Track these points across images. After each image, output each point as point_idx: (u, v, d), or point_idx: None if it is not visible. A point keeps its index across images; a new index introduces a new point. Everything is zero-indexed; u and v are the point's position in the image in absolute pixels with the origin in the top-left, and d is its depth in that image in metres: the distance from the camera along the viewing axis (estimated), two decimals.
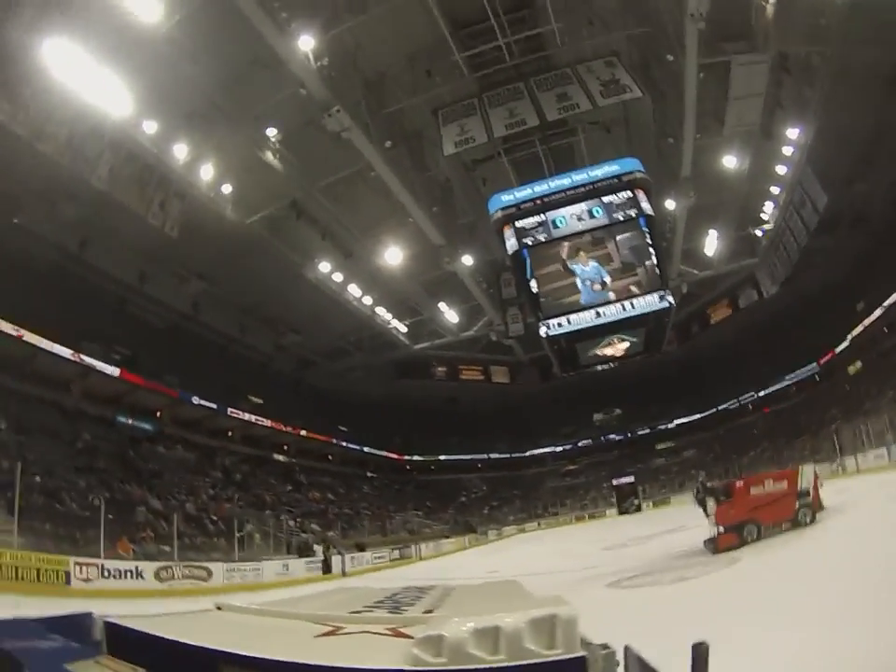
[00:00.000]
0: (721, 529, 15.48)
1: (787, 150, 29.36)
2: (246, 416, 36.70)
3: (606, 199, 16.87)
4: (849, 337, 40.00)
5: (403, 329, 42.29)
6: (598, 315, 15.86)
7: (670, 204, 29.61)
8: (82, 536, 18.26)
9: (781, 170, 31.02)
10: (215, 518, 25.18)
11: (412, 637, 1.69)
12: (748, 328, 49.67)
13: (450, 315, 40.76)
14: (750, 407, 54.79)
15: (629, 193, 16.78)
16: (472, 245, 33.27)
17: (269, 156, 24.91)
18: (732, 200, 34.32)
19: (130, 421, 29.43)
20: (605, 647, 1.68)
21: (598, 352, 17.54)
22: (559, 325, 16.09)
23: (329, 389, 49.12)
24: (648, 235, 16.43)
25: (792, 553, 12.89)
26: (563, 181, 17.70)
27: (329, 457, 46.61)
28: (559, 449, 62.61)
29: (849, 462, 29.27)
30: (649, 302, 15.76)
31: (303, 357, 45.95)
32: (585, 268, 16.41)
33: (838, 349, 42.04)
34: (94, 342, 28.12)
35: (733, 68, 23.52)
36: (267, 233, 28.74)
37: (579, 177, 17.62)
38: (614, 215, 16.66)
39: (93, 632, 1.83)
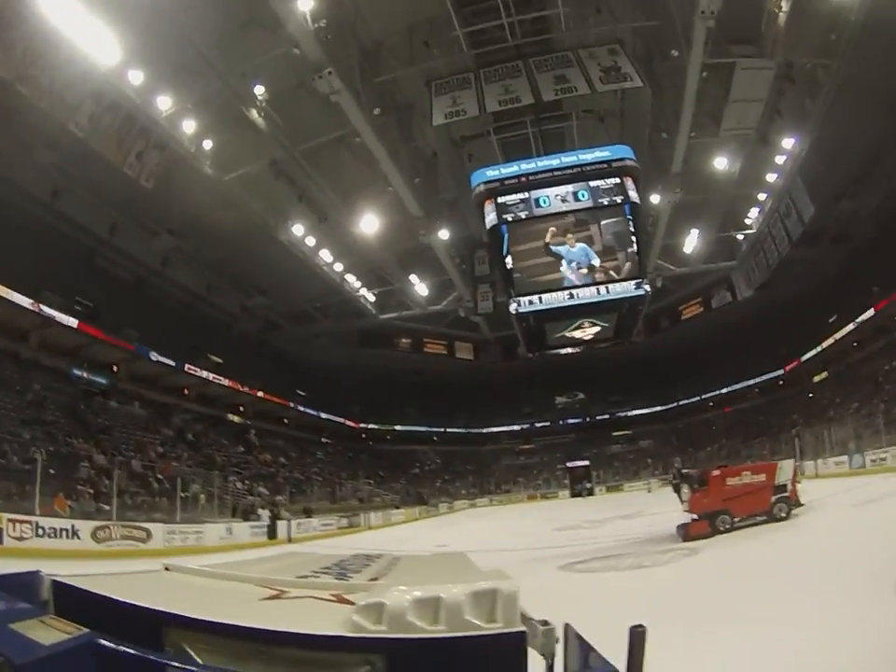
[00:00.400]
0: (695, 517, 15.40)
1: (779, 159, 29.42)
2: (204, 374, 36.12)
3: (593, 183, 16.28)
4: (820, 347, 41.81)
5: (371, 297, 41.62)
6: (572, 296, 15.42)
7: (655, 198, 29.24)
8: (19, 491, 17.58)
9: (771, 177, 31.13)
10: (160, 477, 24.31)
11: (354, 604, 1.69)
12: (717, 328, 50.80)
13: (420, 287, 40.08)
14: (711, 404, 56.12)
15: (617, 179, 16.24)
16: (450, 221, 32.65)
17: (254, 114, 23.89)
18: (717, 201, 34.27)
19: (85, 374, 28.65)
20: (545, 623, 1.74)
21: (567, 334, 17.06)
22: (530, 302, 15.59)
23: (292, 353, 48.81)
24: (631, 223, 16.00)
25: (762, 547, 12.81)
26: (551, 161, 17.05)
27: (285, 421, 46.24)
28: (516, 428, 63.18)
29: (808, 465, 29.75)
30: (625, 289, 15.34)
31: (269, 319, 45.46)
32: (572, 249, 15.89)
33: (804, 357, 43.90)
34: (57, 292, 27.40)
35: (737, 71, 23.23)
36: (243, 192, 27.88)
37: (568, 159, 17.01)
38: (599, 199, 16.12)
39: (41, 591, 1.85)
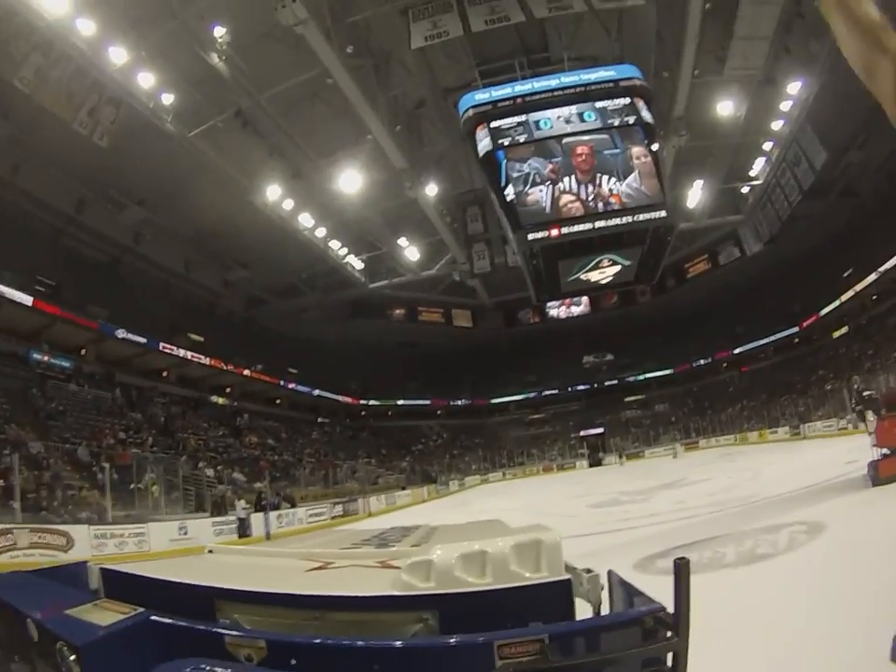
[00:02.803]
0: (885, 451, 11.97)
1: (785, 105, 28.77)
2: (181, 353, 34.86)
3: (599, 104, 14.97)
4: (838, 301, 40.94)
5: (359, 265, 40.78)
6: (591, 224, 13.85)
7: (655, 146, 28.09)
8: None
9: (777, 125, 30.46)
10: (105, 466, 20.69)
11: (400, 568, 1.78)
12: (724, 287, 50.44)
13: (410, 251, 39.23)
14: (725, 365, 55.17)
15: (627, 100, 14.97)
16: (438, 176, 31.80)
17: (214, 58, 22.98)
18: (721, 150, 33.54)
19: (46, 358, 27.27)
20: (588, 571, 1.82)
21: (583, 276, 15.69)
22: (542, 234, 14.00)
23: (281, 330, 47.82)
24: (648, 145, 14.62)
25: None
26: (549, 82, 15.70)
27: (278, 402, 45.28)
28: (522, 397, 62.07)
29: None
30: (650, 215, 13.89)
31: (254, 294, 44.67)
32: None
33: (822, 313, 43.09)
34: (22, 274, 26.23)
35: (741, 4, 22.43)
36: (210, 150, 26.76)
37: (569, 79, 15.71)
38: (609, 121, 14.77)
39: (90, 579, 1.92)
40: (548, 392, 61.23)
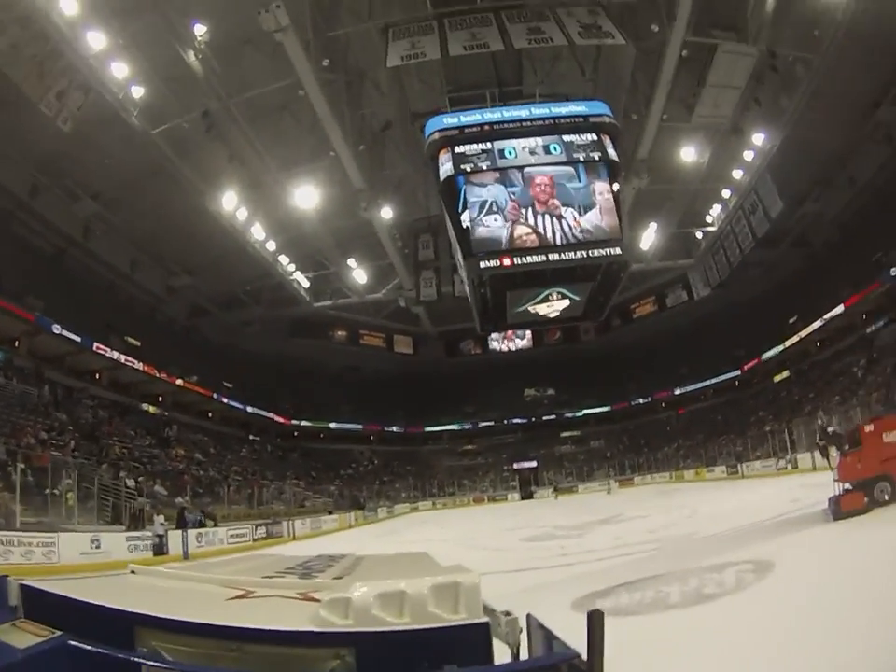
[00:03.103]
0: (847, 486, 12.41)
1: (748, 155, 29.63)
2: (115, 356, 33.50)
3: (567, 137, 14.81)
4: (781, 346, 42.68)
5: (306, 283, 40.14)
6: (544, 256, 13.45)
7: (616, 186, 28.63)
8: None
9: (737, 174, 31.36)
10: (23, 466, 19.15)
11: (320, 601, 1.76)
12: (669, 329, 51.56)
13: (358, 273, 39.06)
14: (663, 405, 56.20)
15: (594, 136, 14.84)
16: (394, 200, 31.62)
17: (190, 56, 22.50)
18: (680, 195, 34.45)
19: None
20: (507, 613, 1.84)
21: (531, 308, 15.47)
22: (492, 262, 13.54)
23: (220, 342, 46.75)
24: (611, 182, 14.55)
25: None
26: (519, 112, 15.42)
27: (209, 415, 43.89)
28: (458, 427, 61.84)
29: (805, 458, 28.62)
30: (605, 250, 13.66)
31: (197, 304, 43.47)
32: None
33: (765, 356, 44.77)
34: None
35: (718, 54, 23.15)
36: (171, 149, 26.16)
37: (539, 111, 15.41)
38: (574, 155, 14.61)
39: (9, 596, 1.83)
40: (484, 423, 61.25)
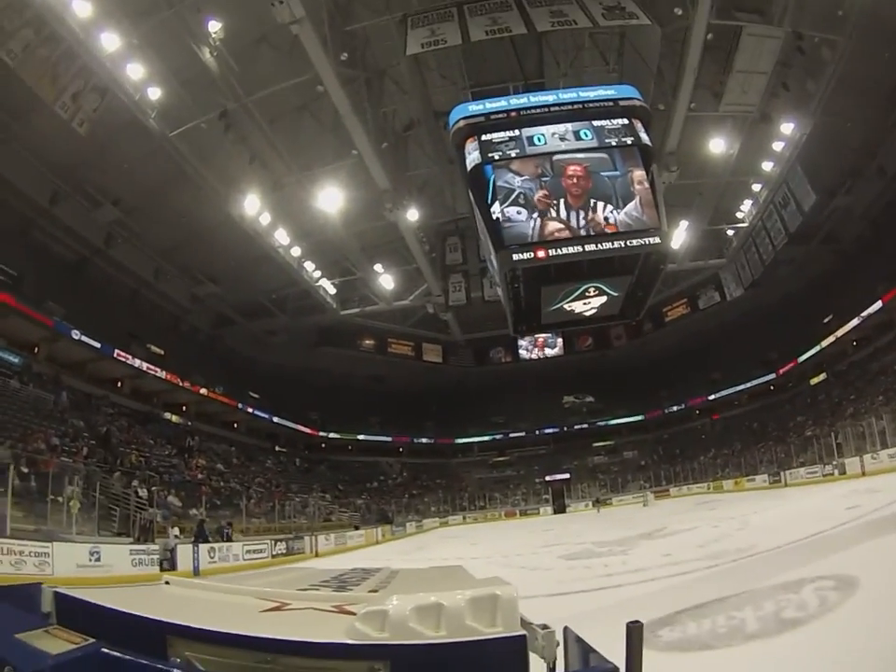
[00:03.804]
0: None
1: (777, 145, 28.99)
2: (137, 363, 33.75)
3: (597, 122, 14.32)
4: (818, 347, 41.72)
5: (332, 290, 39.84)
6: (580, 247, 12.78)
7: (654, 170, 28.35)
8: None
9: (768, 166, 30.67)
10: (26, 471, 18.87)
11: (355, 614, 1.77)
12: (700, 333, 50.58)
13: (385, 279, 38.59)
14: (697, 412, 55.27)
15: (625, 120, 14.37)
16: (420, 202, 31.30)
17: (206, 53, 22.59)
18: (710, 190, 33.75)
19: None
20: (544, 627, 1.83)
21: (566, 306, 14.91)
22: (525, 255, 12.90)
23: (246, 352, 47.04)
24: (645, 168, 14.03)
25: None
26: (546, 98, 14.88)
27: (234, 425, 43.97)
28: (488, 438, 61.26)
29: (853, 463, 28.69)
30: (644, 241, 13.15)
31: (222, 313, 43.61)
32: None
33: (801, 359, 43.79)
34: None
35: (743, 37, 22.86)
36: (190, 152, 26.33)
37: (567, 96, 14.91)
38: (606, 140, 14.07)
39: (43, 603, 1.89)
40: (514, 434, 60.57)
